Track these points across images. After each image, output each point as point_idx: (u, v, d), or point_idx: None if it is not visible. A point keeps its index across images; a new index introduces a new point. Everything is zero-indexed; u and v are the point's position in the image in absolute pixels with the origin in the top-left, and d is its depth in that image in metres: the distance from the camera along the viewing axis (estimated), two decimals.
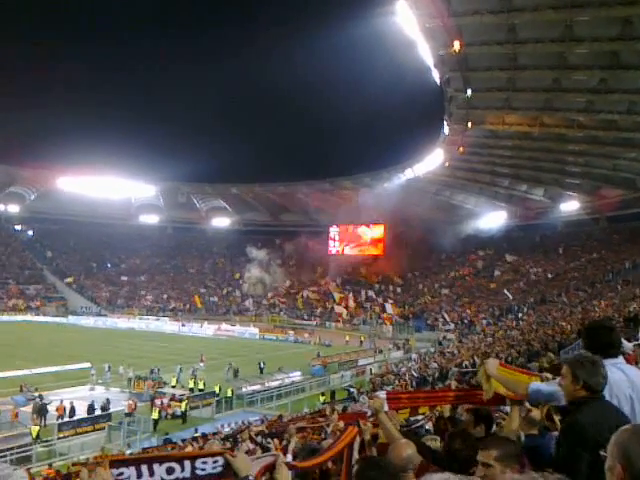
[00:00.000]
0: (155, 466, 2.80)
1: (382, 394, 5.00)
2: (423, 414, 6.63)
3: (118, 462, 2.76)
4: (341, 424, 8.57)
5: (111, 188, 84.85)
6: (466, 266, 72.15)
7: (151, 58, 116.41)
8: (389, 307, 65.65)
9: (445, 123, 45.62)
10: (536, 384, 3.61)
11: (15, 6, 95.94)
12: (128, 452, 18.67)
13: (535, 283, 59.85)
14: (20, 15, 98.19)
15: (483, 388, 4.17)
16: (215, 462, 2.99)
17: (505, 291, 57.64)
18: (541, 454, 3.28)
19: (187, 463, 2.92)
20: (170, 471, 2.84)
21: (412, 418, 6.39)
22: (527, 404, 3.86)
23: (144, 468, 2.77)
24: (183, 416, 26.03)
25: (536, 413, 4.06)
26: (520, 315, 49.80)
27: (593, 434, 2.55)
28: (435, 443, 4.43)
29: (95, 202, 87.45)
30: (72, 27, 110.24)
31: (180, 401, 27.19)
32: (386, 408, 4.67)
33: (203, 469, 2.93)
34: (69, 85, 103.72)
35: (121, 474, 2.69)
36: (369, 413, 6.25)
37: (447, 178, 62.78)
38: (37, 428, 21.77)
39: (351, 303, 71.73)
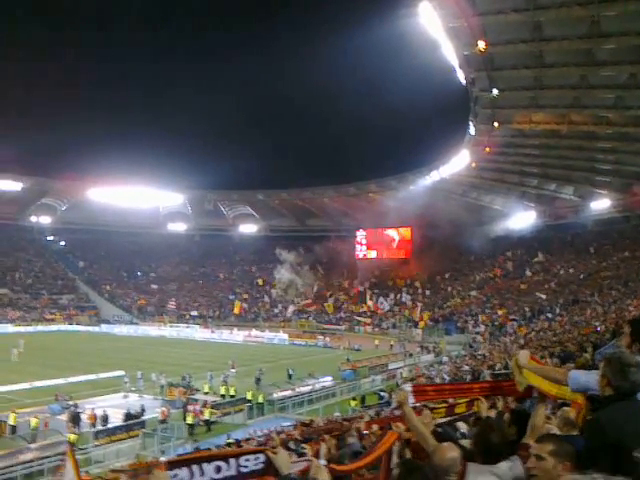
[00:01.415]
0: (204, 465, 2.92)
1: (407, 387, 4.98)
2: (459, 414, 6.57)
3: (174, 463, 2.88)
4: (375, 427, 8.55)
5: (140, 197, 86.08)
6: (496, 267, 71.30)
7: (178, 69, 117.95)
8: (418, 311, 65.26)
9: (471, 124, 45.23)
10: (576, 372, 3.54)
11: (45, 22, 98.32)
12: (162, 459, 18.82)
13: (567, 283, 58.85)
14: (51, 32, 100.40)
15: (516, 380, 4.14)
16: (257, 459, 3.08)
17: (537, 293, 56.74)
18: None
19: (232, 461, 3.03)
20: (218, 469, 2.96)
21: (444, 419, 6.33)
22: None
23: (195, 468, 2.89)
24: (208, 424, 25.98)
25: (572, 412, 4.01)
26: (552, 316, 49.01)
27: (613, 434, 2.49)
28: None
29: (124, 212, 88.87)
30: (99, 40, 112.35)
31: (212, 408, 27.39)
32: (412, 400, 4.64)
33: (246, 466, 3.05)
34: (98, 97, 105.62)
35: (175, 476, 2.80)
36: (393, 405, 6.23)
37: (474, 179, 62.16)
38: (73, 436, 22.10)
39: (383, 306, 71.46)
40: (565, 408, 4.38)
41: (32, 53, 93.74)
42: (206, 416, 25.99)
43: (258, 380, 34.13)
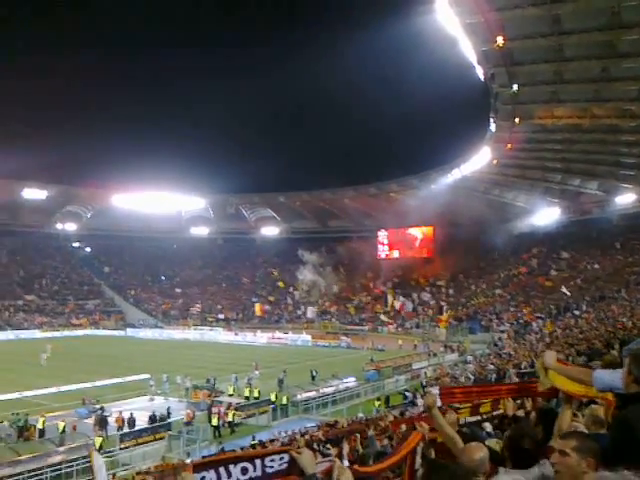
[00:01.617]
0: (231, 467, 2.96)
1: (435, 390, 4.95)
2: (484, 413, 6.50)
3: (200, 466, 2.92)
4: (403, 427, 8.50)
5: (162, 203, 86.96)
6: (520, 265, 70.55)
7: (198, 73, 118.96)
8: (444, 310, 64.89)
9: (491, 120, 44.81)
10: (601, 371, 3.48)
11: (72, 37, 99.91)
12: (188, 461, 18.96)
13: (593, 279, 57.98)
14: (78, 47, 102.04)
15: (540, 380, 4.09)
16: (281, 459, 3.10)
17: (563, 289, 55.95)
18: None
19: (258, 462, 3.07)
20: (244, 471, 3.00)
21: (470, 419, 6.28)
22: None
23: (222, 470, 2.93)
24: (231, 426, 26.05)
25: (600, 410, 3.93)
26: (578, 313, 48.31)
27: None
28: (499, 446, 4.31)
29: (148, 217, 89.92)
30: (123, 52, 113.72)
31: (236, 409, 27.55)
32: (439, 403, 4.61)
33: (271, 466, 3.08)
34: (120, 106, 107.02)
35: (203, 478, 2.84)
36: (421, 409, 6.21)
37: (496, 176, 61.56)
38: (100, 439, 22.38)
39: (406, 306, 71.21)
40: (593, 406, 4.31)
41: (58, 65, 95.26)
42: (230, 418, 26.11)
43: (281, 382, 34.21)
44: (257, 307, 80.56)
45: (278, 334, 65.19)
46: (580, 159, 50.92)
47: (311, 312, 77.09)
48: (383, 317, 70.04)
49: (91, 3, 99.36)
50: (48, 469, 19.39)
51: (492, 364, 31.08)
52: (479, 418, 6.66)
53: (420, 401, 25.40)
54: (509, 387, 5.55)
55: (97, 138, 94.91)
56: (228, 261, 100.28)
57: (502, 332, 53.69)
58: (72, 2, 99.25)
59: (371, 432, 7.47)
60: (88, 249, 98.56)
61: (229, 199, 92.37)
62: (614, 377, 3.24)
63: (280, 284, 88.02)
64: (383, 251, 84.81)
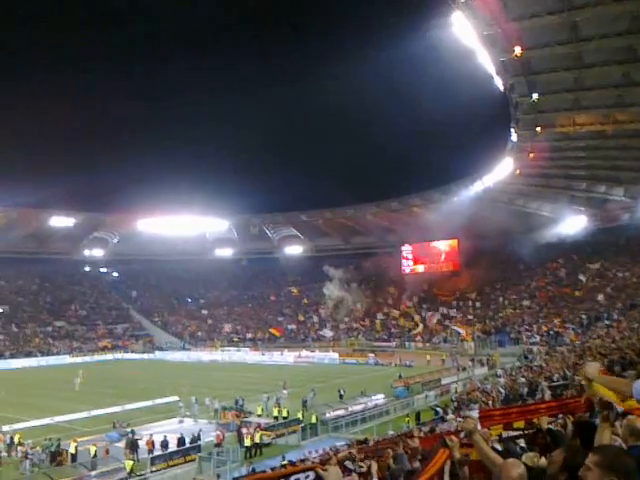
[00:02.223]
0: None
1: (474, 413, 4.87)
2: (518, 429, 6.36)
3: None
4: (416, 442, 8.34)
5: (187, 225, 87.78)
6: (547, 275, 69.54)
7: (218, 95, 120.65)
8: (458, 328, 64.15)
9: (512, 130, 44.54)
10: None
11: (92, 61, 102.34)
12: None
13: (623, 287, 56.83)
14: (94, 72, 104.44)
15: (586, 391, 3.98)
16: (307, 477, 3.06)
17: (599, 297, 54.66)
18: None
19: None
20: None
21: (505, 434, 6.13)
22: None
23: None
24: (258, 447, 25.67)
25: (638, 421, 3.78)
26: (609, 322, 47.30)
27: None
28: (535, 460, 4.18)
29: (172, 240, 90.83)
30: (145, 77, 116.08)
31: (266, 430, 27.42)
32: (479, 427, 4.50)
33: None
34: (143, 132, 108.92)
35: None
36: (462, 434, 6.06)
37: (519, 186, 60.98)
38: (131, 463, 22.42)
39: (433, 320, 70.59)
40: (630, 417, 4.17)
41: (81, 94, 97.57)
42: (256, 439, 25.85)
43: (305, 402, 33.79)
44: (273, 330, 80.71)
45: (305, 353, 64.98)
46: (605, 166, 50.21)
47: (329, 332, 76.82)
48: (415, 331, 69.29)
49: (110, 29, 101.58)
50: None
51: (523, 377, 30.47)
52: (512, 433, 6.51)
53: (450, 417, 25.01)
54: (548, 405, 5.43)
55: (121, 165, 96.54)
56: (253, 281, 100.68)
57: (532, 344, 52.78)
58: (91, 26, 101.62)
59: (401, 450, 7.33)
60: (115, 274, 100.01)
61: (252, 220, 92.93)
62: None
63: (305, 301, 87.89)
64: (408, 266, 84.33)
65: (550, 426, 5.41)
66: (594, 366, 3.80)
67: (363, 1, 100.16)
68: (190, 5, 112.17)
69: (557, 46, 30.04)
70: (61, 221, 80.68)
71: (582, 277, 64.21)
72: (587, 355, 28.63)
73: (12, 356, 69.56)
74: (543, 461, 4.04)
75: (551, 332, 54.06)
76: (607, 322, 47.73)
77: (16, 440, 25.89)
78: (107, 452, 24.19)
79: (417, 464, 7.78)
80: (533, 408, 6.01)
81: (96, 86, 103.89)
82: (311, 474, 3.15)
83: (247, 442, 25.23)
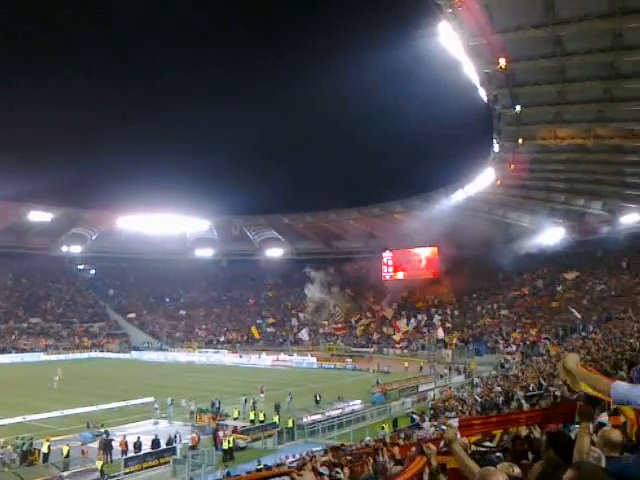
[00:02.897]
0: None
1: (454, 422, 4.91)
2: (495, 436, 6.40)
3: None
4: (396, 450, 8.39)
5: (167, 225, 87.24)
6: (525, 285, 70.26)
7: (201, 97, 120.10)
8: (441, 332, 64.53)
9: (495, 141, 45.00)
10: (621, 383, 3.33)
11: (77, 56, 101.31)
12: None
13: (599, 300, 57.63)
14: (81, 66, 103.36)
15: (567, 382, 3.98)
16: None
17: (572, 309, 55.42)
18: (628, 478, 3.03)
19: None
20: None
21: (484, 444, 6.19)
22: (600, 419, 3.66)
23: None
24: (230, 451, 25.24)
25: (615, 433, 3.83)
26: (585, 334, 47.88)
27: None
28: (510, 470, 4.19)
29: (152, 239, 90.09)
30: (128, 73, 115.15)
31: (242, 433, 27.28)
32: (459, 436, 4.52)
33: None
34: (124, 129, 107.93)
35: None
36: (442, 444, 6.09)
37: (500, 197, 61.62)
38: (101, 463, 22.14)
39: (407, 327, 70.82)
40: (605, 428, 4.23)
41: (63, 88, 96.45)
42: (230, 444, 25.52)
43: (277, 406, 33.57)
44: (253, 330, 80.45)
45: (283, 356, 64.86)
46: (584, 179, 50.95)
47: (306, 334, 76.90)
48: (395, 337, 69.41)
49: (89, 26, 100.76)
50: None
51: (499, 386, 30.72)
52: (486, 444, 6.56)
53: (427, 424, 25.12)
54: (529, 415, 5.48)
55: (102, 161, 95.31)
56: (232, 283, 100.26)
57: (509, 353, 53.25)
58: (75, 23, 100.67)
59: (382, 459, 7.36)
60: (93, 271, 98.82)
61: (233, 221, 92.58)
62: (635, 392, 3.12)
63: (289, 305, 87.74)
64: (388, 272, 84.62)
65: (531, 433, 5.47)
66: (573, 357, 3.74)
67: (350, 9, 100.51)
68: (185, 6, 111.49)
69: (541, 59, 30.42)
70: (39, 216, 79.64)
71: (559, 288, 64.95)
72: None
73: None
74: (518, 471, 4.08)
75: (527, 342, 54.59)
76: (583, 334, 48.28)
77: None
78: (84, 452, 23.80)
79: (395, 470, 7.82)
80: (513, 417, 6.06)
81: (80, 81, 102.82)
82: (286, 479, 3.15)
83: (225, 445, 25.04)
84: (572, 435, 4.26)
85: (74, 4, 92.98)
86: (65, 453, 23.26)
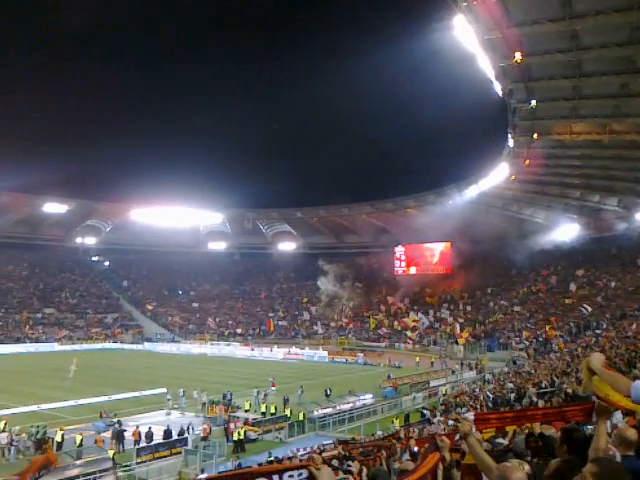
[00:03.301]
0: None
1: (470, 416, 4.91)
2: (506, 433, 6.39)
3: None
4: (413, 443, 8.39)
5: (180, 217, 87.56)
6: (539, 281, 69.83)
7: (217, 90, 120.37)
8: (458, 328, 64.24)
9: (509, 136, 44.66)
10: None
11: (94, 53, 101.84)
12: (201, 476, 18.88)
13: (613, 297, 57.15)
14: (100, 63, 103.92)
15: (583, 382, 3.92)
16: (300, 475, 3.07)
17: (582, 307, 55.08)
18: None
19: (276, 477, 3.03)
20: None
21: (497, 440, 6.18)
22: (614, 420, 3.61)
23: None
24: (241, 443, 25.41)
25: (631, 432, 3.80)
26: (599, 331, 47.55)
27: None
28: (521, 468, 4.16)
29: (166, 232, 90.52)
30: (143, 71, 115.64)
31: (253, 425, 27.44)
32: (474, 430, 4.51)
33: None
34: (140, 123, 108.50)
35: None
36: (458, 437, 6.08)
37: (514, 192, 61.16)
38: (113, 452, 22.39)
39: (414, 323, 70.68)
40: (621, 427, 4.19)
41: (79, 81, 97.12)
42: (241, 435, 25.72)
43: (286, 400, 33.72)
44: (270, 324, 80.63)
45: (294, 350, 65.02)
46: (599, 175, 50.45)
47: (320, 328, 77.05)
48: (409, 333, 69.27)
49: (108, 21, 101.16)
50: None
51: (511, 382, 30.63)
52: (500, 441, 6.55)
53: (437, 419, 25.13)
54: (545, 412, 5.45)
55: (117, 154, 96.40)
56: (245, 276, 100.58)
57: (521, 350, 53.03)
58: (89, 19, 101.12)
59: (397, 455, 7.37)
60: (107, 263, 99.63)
61: (246, 214, 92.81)
62: None
63: (304, 300, 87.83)
64: (400, 267, 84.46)
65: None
66: (598, 357, 3.61)
67: (364, 3, 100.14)
68: (193, 4, 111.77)
69: (557, 54, 30.13)
70: (54, 207, 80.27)
71: (573, 285, 64.47)
72: (575, 363, 28.82)
73: (1, 342, 69.20)
74: (527, 468, 4.07)
75: (540, 339, 54.28)
76: (597, 331, 47.96)
77: (1, 426, 25.78)
78: (100, 441, 24.07)
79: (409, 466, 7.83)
80: (530, 414, 6.04)
81: (97, 75, 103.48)
82: (304, 472, 3.16)
83: (236, 437, 25.20)
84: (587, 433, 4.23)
85: None
86: (78, 442, 23.55)
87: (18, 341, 70.49)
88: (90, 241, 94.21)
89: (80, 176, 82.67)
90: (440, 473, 4.56)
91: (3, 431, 25.35)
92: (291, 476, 3.11)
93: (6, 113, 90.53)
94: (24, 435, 24.58)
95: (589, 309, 53.42)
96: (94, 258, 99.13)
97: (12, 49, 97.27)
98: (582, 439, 3.81)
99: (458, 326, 64.48)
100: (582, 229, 65.34)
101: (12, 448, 23.66)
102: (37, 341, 71.73)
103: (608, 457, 3.33)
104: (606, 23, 26.52)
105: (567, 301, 61.63)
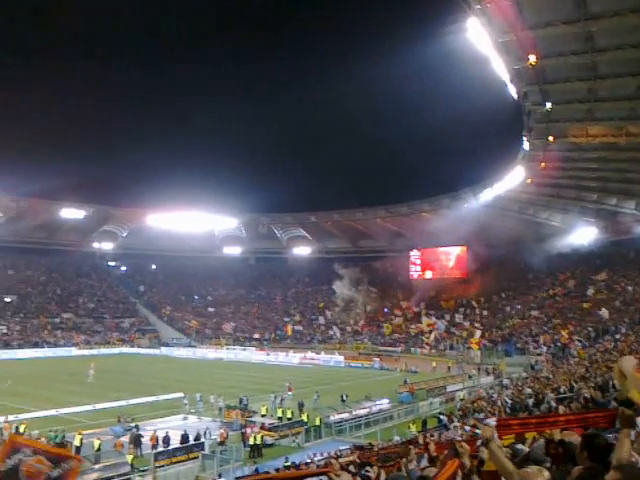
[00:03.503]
0: None
1: (492, 422, 4.89)
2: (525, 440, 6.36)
3: None
4: (432, 447, 8.35)
5: (196, 222, 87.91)
6: (556, 286, 69.23)
7: (230, 93, 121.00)
8: (478, 333, 63.72)
9: (525, 139, 44.39)
10: None
11: (108, 57, 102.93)
12: None
13: (632, 301, 56.48)
14: (106, 66, 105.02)
15: (619, 389, 3.84)
16: None
17: (600, 311, 54.40)
18: None
19: None
20: None
21: (517, 446, 6.16)
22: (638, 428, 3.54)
23: None
24: (257, 448, 25.46)
25: None
26: (618, 336, 47.02)
27: None
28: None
29: (181, 236, 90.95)
30: (153, 70, 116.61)
31: (270, 430, 27.48)
32: (496, 435, 4.49)
33: None
34: (155, 129, 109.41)
35: None
36: (478, 442, 6.04)
37: (530, 195, 60.69)
38: (131, 456, 22.53)
39: (439, 327, 70.37)
40: None
41: (94, 87, 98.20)
42: (257, 440, 25.80)
43: (301, 405, 33.74)
44: (288, 328, 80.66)
45: (310, 354, 65.01)
46: (616, 178, 49.94)
47: (338, 333, 76.89)
48: (425, 338, 68.96)
49: (125, 25, 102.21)
50: None
51: (529, 388, 30.36)
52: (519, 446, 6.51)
53: (455, 424, 24.96)
54: (568, 418, 5.41)
55: (133, 159, 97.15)
56: (260, 281, 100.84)
57: (539, 355, 52.56)
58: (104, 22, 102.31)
59: (415, 463, 7.32)
60: (123, 268, 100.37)
61: (261, 219, 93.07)
62: None
63: (320, 305, 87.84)
64: (415, 271, 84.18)
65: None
66: (630, 360, 3.51)
67: (377, 5, 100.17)
68: (205, 3, 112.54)
69: (572, 56, 29.94)
70: (71, 213, 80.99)
71: (591, 289, 63.84)
72: (594, 368, 28.55)
73: (19, 346, 70.02)
74: (547, 474, 4.06)
75: (558, 344, 53.78)
76: (616, 336, 47.44)
77: (22, 430, 26.07)
78: (120, 446, 24.24)
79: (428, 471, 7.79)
80: (552, 420, 6.00)
81: (113, 79, 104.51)
82: (324, 478, 3.20)
83: (251, 441, 25.26)
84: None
85: None
86: (96, 447, 23.74)
87: (36, 345, 71.19)
88: (107, 246, 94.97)
89: (97, 182, 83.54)
90: None
91: (21, 434, 25.62)
92: None
93: (24, 120, 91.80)
94: (43, 439, 24.79)
95: (606, 315, 52.69)
96: (111, 263, 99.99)
97: (36, 53, 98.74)
98: (603, 446, 3.75)
99: (479, 333, 63.76)
100: (599, 232, 64.59)
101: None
102: (55, 346, 72.38)
103: (631, 464, 3.31)
104: (621, 24, 26.32)
105: (585, 305, 61.03)
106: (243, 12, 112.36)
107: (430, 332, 69.36)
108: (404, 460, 7.32)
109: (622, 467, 2.81)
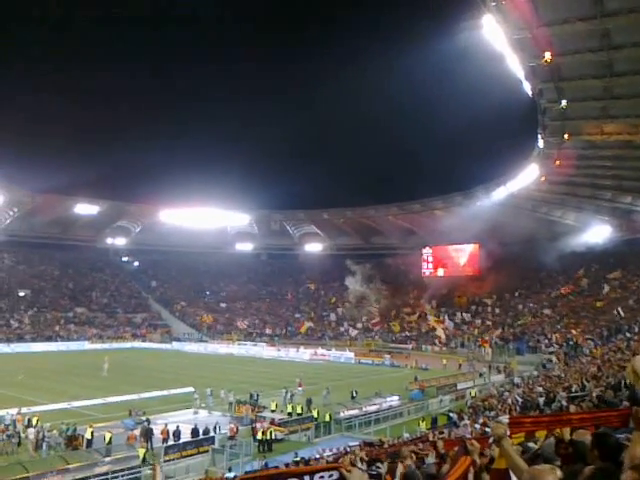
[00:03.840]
0: None
1: (504, 419, 4.85)
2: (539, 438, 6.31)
3: None
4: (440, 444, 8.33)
5: (208, 218, 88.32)
6: (569, 284, 68.71)
7: (243, 91, 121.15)
8: (497, 332, 63.37)
9: (539, 136, 44.03)
10: None
11: (123, 55, 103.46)
12: (230, 475, 19.03)
13: None
14: (120, 64, 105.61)
15: (636, 387, 3.83)
16: (330, 476, 3.10)
17: (618, 310, 53.81)
18: None
19: (307, 478, 3.06)
20: None
21: (529, 444, 6.11)
22: None
23: None
24: (267, 443, 25.65)
25: None
26: (630, 335, 46.58)
27: None
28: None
29: (194, 232, 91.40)
30: (166, 67, 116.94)
31: (280, 425, 27.56)
32: (508, 433, 4.46)
33: None
34: (169, 126, 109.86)
35: None
36: (491, 440, 6.00)
37: (544, 193, 60.23)
38: (143, 450, 22.69)
39: (448, 325, 70.20)
40: None
41: (107, 84, 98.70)
42: (267, 435, 25.92)
43: (309, 401, 33.61)
44: (304, 326, 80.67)
45: (321, 351, 65.05)
46: (631, 176, 49.37)
47: (354, 331, 76.81)
48: (437, 333, 68.80)
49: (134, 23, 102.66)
50: (95, 479, 19.76)
51: (541, 386, 30.18)
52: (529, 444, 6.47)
53: (465, 422, 24.88)
54: (581, 416, 5.35)
55: (147, 156, 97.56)
56: (272, 277, 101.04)
57: (551, 353, 52.23)
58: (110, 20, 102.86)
59: (429, 460, 7.30)
60: (136, 263, 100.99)
61: (273, 215, 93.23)
62: None
63: (332, 300, 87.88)
64: (427, 269, 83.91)
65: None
66: None
67: (393, 3, 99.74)
68: (221, 3, 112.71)
69: (588, 53, 29.63)
70: (85, 208, 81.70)
71: (605, 287, 63.30)
72: (606, 367, 28.30)
73: (33, 340, 70.71)
74: (560, 473, 4.01)
75: (570, 342, 53.41)
76: (628, 335, 47.01)
77: (34, 423, 26.33)
78: (133, 439, 24.40)
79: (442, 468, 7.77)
80: (565, 418, 5.94)
81: (128, 76, 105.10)
82: (335, 473, 3.18)
83: (260, 436, 25.38)
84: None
85: None
86: (107, 440, 23.92)
87: (49, 339, 71.85)
88: (120, 242, 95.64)
89: (111, 178, 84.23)
90: (471, 477, 4.53)
91: (32, 426, 25.90)
92: (322, 477, 3.12)
93: (39, 116, 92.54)
94: (55, 432, 25.07)
95: (622, 314, 52.20)
96: (124, 258, 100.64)
97: (44, 48, 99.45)
98: (615, 445, 3.72)
99: (497, 332, 63.37)
100: (614, 231, 64.02)
101: (44, 444, 24.15)
102: (68, 340, 73.01)
103: None
104: (638, 22, 26.00)
105: (598, 304, 60.53)
106: (264, 12, 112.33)
107: (443, 329, 69.20)
108: (414, 457, 7.34)
109: (638, 467, 2.77)
